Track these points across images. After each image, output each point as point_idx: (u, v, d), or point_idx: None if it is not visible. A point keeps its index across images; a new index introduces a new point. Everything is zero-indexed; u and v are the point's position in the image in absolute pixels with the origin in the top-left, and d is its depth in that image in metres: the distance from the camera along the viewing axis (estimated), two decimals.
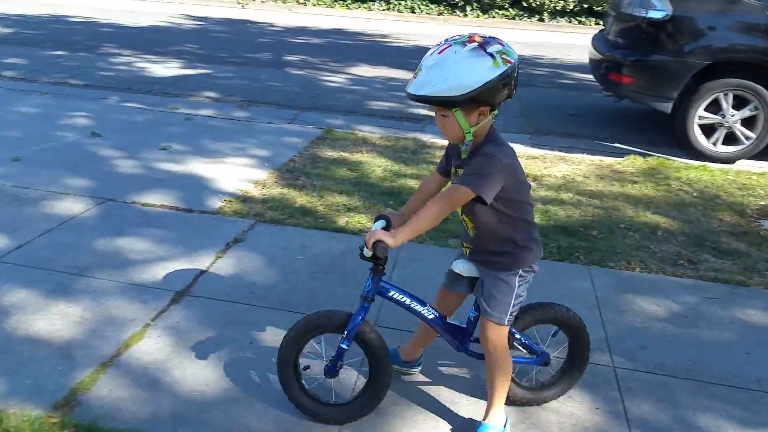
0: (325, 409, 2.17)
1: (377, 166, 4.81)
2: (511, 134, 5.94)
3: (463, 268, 2.14)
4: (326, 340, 2.25)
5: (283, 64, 9.50)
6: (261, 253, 3.33)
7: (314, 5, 16.85)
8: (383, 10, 16.60)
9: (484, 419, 2.14)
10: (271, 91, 7.64)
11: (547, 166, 4.98)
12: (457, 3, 16.05)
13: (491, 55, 1.78)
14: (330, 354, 2.14)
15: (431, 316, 2.16)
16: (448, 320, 2.19)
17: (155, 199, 3.96)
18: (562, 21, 15.47)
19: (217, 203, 3.95)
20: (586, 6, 15.25)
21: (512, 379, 2.19)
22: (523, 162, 5.04)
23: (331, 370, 2.13)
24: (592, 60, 6.36)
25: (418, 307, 2.15)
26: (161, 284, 2.97)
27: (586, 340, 2.27)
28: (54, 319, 2.65)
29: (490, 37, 1.84)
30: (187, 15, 14.90)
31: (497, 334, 2.06)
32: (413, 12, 16.38)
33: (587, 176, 4.79)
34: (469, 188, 1.85)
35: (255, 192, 4.18)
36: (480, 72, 1.77)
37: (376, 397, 2.14)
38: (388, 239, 1.85)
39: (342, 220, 3.80)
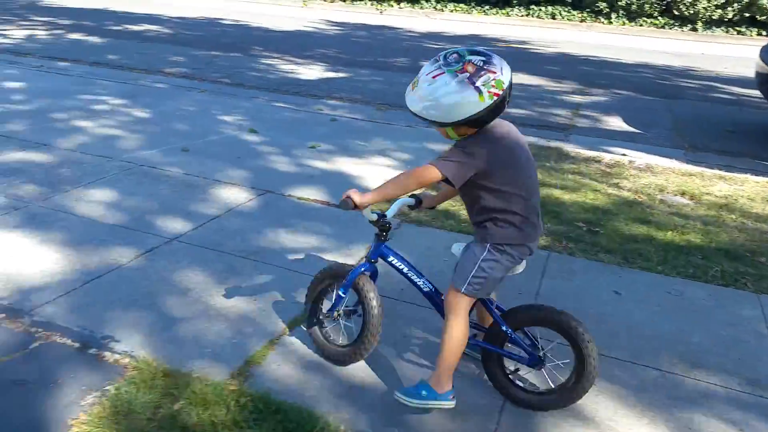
0: (332, 349, 2.46)
1: None
2: (664, 148, 5.66)
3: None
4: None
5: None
6: (408, 252, 3.38)
7: (451, 11, 16.93)
8: (522, 16, 16.36)
9: (429, 379, 2.20)
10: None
11: (706, 185, 4.68)
12: (601, 9, 15.47)
13: (478, 89, 1.88)
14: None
15: (426, 289, 2.32)
16: (442, 297, 2.28)
17: (308, 194, 4.18)
18: (718, 31, 14.45)
19: None
20: (747, 15, 14.14)
21: (514, 384, 2.28)
22: (677, 179, 4.73)
23: (329, 313, 2.44)
24: (759, 74, 5.89)
25: (414, 277, 2.33)
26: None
27: (584, 349, 2.12)
28: (226, 297, 2.88)
29: (484, 63, 1.89)
30: (328, 20, 15.52)
31: (454, 298, 2.15)
32: (554, 18, 16.00)
33: (752, 198, 4.45)
34: (436, 167, 1.98)
35: None
36: (465, 108, 1.90)
37: (366, 343, 2.33)
38: (356, 197, 2.09)
39: None
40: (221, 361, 2.43)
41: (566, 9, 16.04)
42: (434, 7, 17.21)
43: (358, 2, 18.06)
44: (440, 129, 2.05)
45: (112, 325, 2.62)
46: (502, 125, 2.08)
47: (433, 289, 2.32)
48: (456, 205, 4.09)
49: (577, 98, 7.93)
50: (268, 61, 9.60)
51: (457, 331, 2.15)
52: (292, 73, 8.89)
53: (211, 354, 2.46)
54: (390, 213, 2.30)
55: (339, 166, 4.80)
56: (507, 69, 1.92)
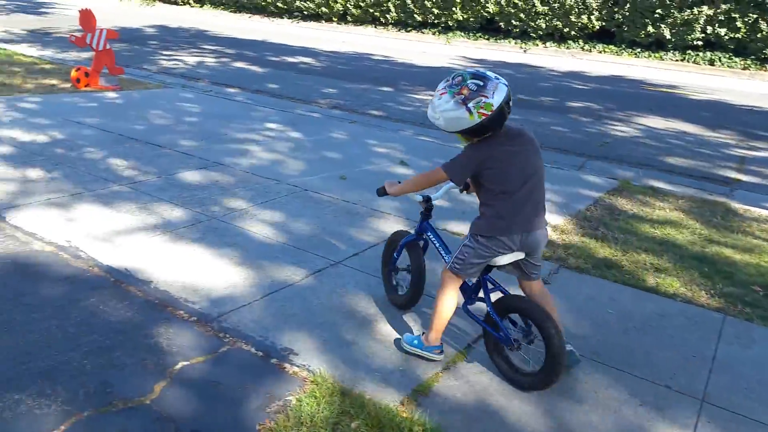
0: (395, 296, 3.17)
1: (684, 227, 4.53)
2: None
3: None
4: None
5: (566, 110, 9.49)
6: (569, 300, 3.35)
7: (600, 52, 16.54)
8: (677, 60, 15.65)
9: (422, 334, 2.73)
10: (555, 135, 7.69)
11: None
12: None
13: (469, 110, 2.27)
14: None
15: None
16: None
17: (462, 229, 4.24)
18: None
19: None
20: None
21: (505, 359, 2.62)
22: None
23: (391, 267, 3.17)
24: None
25: (443, 252, 2.84)
26: (479, 311, 3.16)
27: (546, 331, 2.42)
28: (393, 322, 2.99)
29: (480, 87, 2.27)
30: (470, 57, 15.74)
31: (445, 272, 2.64)
32: (712, 64, 15.15)
33: None
34: (443, 170, 2.47)
35: (554, 236, 4.22)
36: (459, 123, 2.34)
37: (418, 294, 3.04)
38: (387, 187, 2.79)
39: (651, 280, 3.64)
40: (391, 385, 2.51)
41: (727, 55, 15.13)
42: (581, 48, 16.90)
43: (502, 40, 18.16)
44: (459, 136, 2.46)
45: (290, 338, 2.80)
46: (512, 133, 2.44)
47: None
48: (617, 254, 3.96)
49: (741, 151, 7.43)
50: (415, 95, 9.90)
51: (444, 301, 2.63)
52: None
53: (380, 378, 2.56)
54: (437, 195, 2.92)
55: None
56: (501, 93, 2.28)
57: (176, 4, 25.25)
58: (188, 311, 2.96)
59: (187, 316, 2.92)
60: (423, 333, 2.76)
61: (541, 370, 2.48)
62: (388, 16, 20.02)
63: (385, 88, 10.56)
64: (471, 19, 18.64)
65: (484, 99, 2.26)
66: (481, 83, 2.28)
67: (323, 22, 21.56)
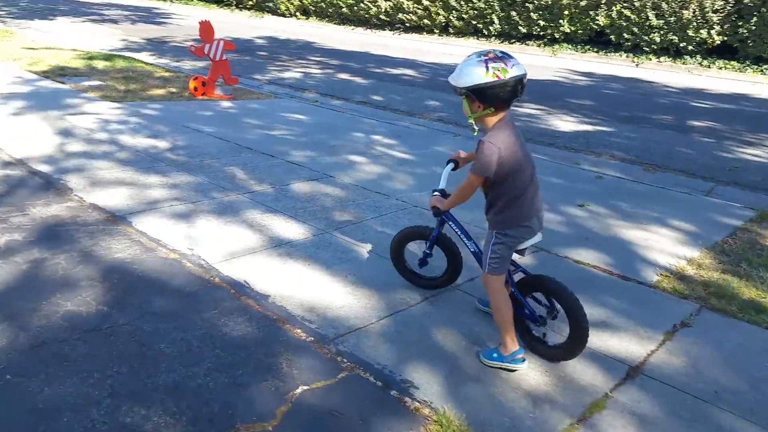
0: (421, 280, 3.41)
1: None
2: None
3: None
4: None
5: (687, 129, 8.87)
6: (716, 347, 3.00)
7: (720, 68, 15.46)
8: None
9: (498, 345, 2.74)
10: (677, 156, 7.17)
11: None
12: None
13: (487, 68, 2.44)
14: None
15: (472, 249, 2.97)
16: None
17: (587, 258, 3.96)
18: None
19: (653, 276, 3.75)
20: None
21: (532, 335, 2.85)
22: None
23: (422, 262, 3.31)
24: None
25: (464, 239, 3.00)
26: (614, 353, 2.89)
27: (571, 306, 2.65)
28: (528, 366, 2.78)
29: (503, 57, 2.47)
30: (576, 70, 15.17)
31: (484, 278, 2.76)
32: None
33: None
34: (476, 174, 2.60)
35: (690, 271, 3.85)
36: (472, 77, 2.47)
37: (454, 277, 3.31)
38: (440, 204, 2.96)
39: None
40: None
41: None
42: (699, 63, 15.87)
43: (613, 54, 17.39)
44: (464, 102, 2.60)
45: (409, 368, 2.66)
46: (509, 125, 2.59)
47: (478, 250, 2.94)
48: (765, 298, 3.55)
49: None
50: (520, 109, 9.59)
51: (499, 302, 2.71)
52: (546, 123, 8.76)
53: (510, 425, 2.36)
54: (442, 184, 3.07)
55: (615, 231, 4.49)
56: (518, 70, 2.46)
57: (283, 16, 26.10)
58: (305, 330, 2.89)
59: (305, 336, 2.84)
60: (499, 345, 2.74)
61: (568, 342, 2.72)
62: (491, 27, 19.71)
63: None
64: (579, 31, 17.98)
65: (503, 65, 2.46)
66: (506, 57, 2.50)
67: (425, 33, 21.55)
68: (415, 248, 3.60)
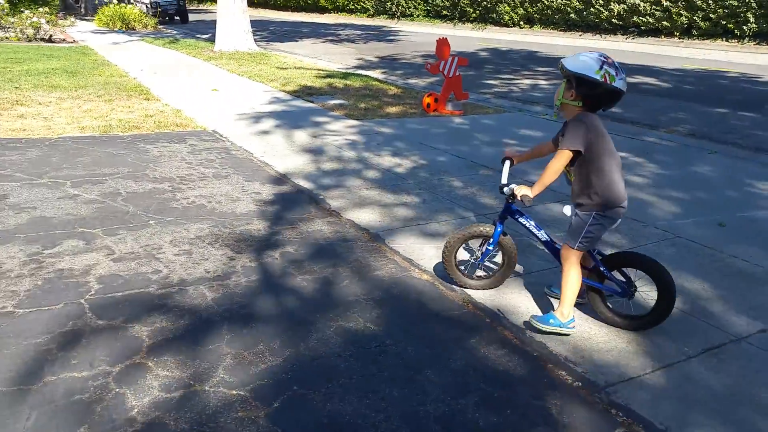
0: (473, 281, 3.44)
1: None
2: None
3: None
4: None
5: None
6: None
7: None
8: None
9: (554, 311, 2.98)
10: None
11: None
12: None
13: (601, 67, 2.69)
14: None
15: (543, 239, 3.19)
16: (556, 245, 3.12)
17: None
18: None
19: None
20: None
21: (609, 308, 3.08)
22: None
23: (481, 261, 3.40)
24: None
25: (534, 230, 3.20)
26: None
27: (664, 283, 2.92)
28: None
29: (619, 68, 2.74)
30: None
31: (568, 252, 2.97)
32: None
33: None
34: (565, 148, 2.79)
35: None
36: (585, 67, 2.71)
37: (507, 275, 3.41)
38: (529, 192, 2.94)
39: None
40: None
41: None
42: None
43: None
44: (563, 85, 2.82)
45: (691, 430, 2.34)
46: (594, 116, 2.79)
47: (549, 240, 3.16)
48: None
49: None
50: None
51: (572, 276, 2.94)
52: None
53: None
54: (505, 180, 3.15)
55: None
56: (622, 84, 2.71)
57: (506, 26, 25.99)
58: (571, 373, 2.70)
59: (571, 380, 2.66)
60: (557, 312, 2.95)
61: (654, 312, 2.98)
62: (744, 27, 17.47)
63: (749, 113, 9.09)
64: None
65: (614, 73, 2.70)
66: (621, 69, 2.74)
67: (662, 37, 19.85)
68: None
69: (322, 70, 12.85)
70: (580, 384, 2.63)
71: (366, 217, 4.52)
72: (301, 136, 7.12)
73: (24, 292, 3.20)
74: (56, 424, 2.25)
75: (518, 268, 3.74)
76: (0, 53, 13.70)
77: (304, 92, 10.12)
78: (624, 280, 3.06)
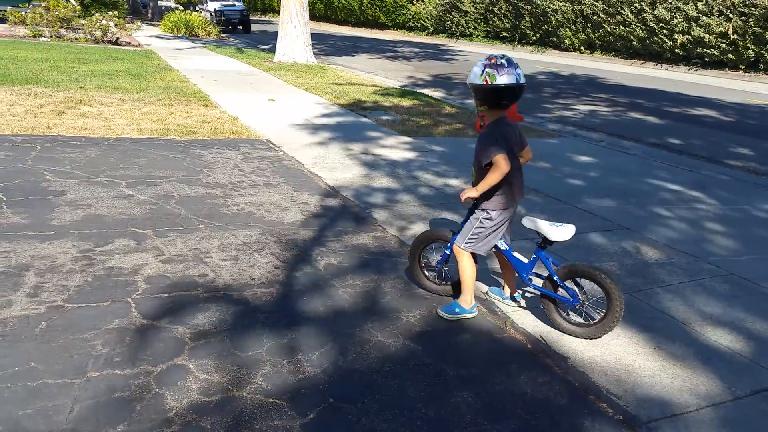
0: (434, 285, 3.61)
1: None
2: None
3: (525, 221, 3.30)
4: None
5: None
6: None
7: None
8: None
9: (458, 299, 3.32)
10: None
11: None
12: None
13: (483, 71, 2.97)
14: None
15: (503, 248, 3.32)
16: (514, 254, 3.32)
17: None
18: None
19: None
20: None
21: (560, 314, 3.20)
22: None
23: (439, 265, 3.56)
24: None
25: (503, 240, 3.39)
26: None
27: (612, 294, 3.01)
28: None
29: (499, 65, 2.95)
30: None
31: (457, 251, 3.28)
32: None
33: None
34: (498, 155, 2.99)
35: None
36: (472, 76, 3.03)
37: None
38: (472, 193, 3.12)
39: None
40: None
41: None
42: None
43: None
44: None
45: None
46: (504, 124, 3.15)
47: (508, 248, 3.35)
48: None
49: None
50: None
51: (467, 267, 3.26)
52: None
53: None
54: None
55: None
56: (508, 78, 2.94)
57: (566, 50, 25.72)
58: (612, 406, 2.62)
59: (612, 412, 2.58)
60: (461, 300, 3.29)
61: (603, 322, 3.08)
62: None
63: None
64: None
65: (494, 72, 2.94)
66: (504, 65, 2.95)
67: (727, 70, 19.27)
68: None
69: (377, 86, 12.97)
70: (621, 417, 2.55)
71: (412, 233, 4.51)
72: (353, 149, 7.19)
73: (74, 288, 3.31)
74: (97, 419, 2.31)
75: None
76: (69, 54, 14.36)
77: (358, 106, 10.23)
78: (576, 289, 3.19)
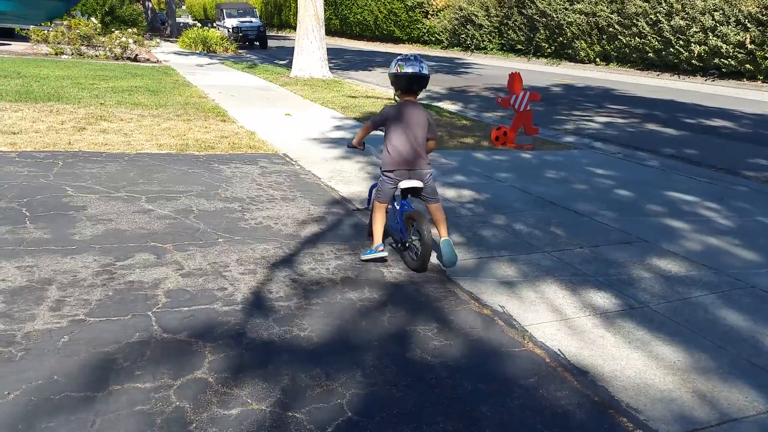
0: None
1: None
2: None
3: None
4: None
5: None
6: None
7: None
8: None
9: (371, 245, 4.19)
10: None
11: None
12: None
13: (397, 63, 3.94)
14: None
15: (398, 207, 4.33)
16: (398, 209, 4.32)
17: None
18: None
19: None
20: None
21: (409, 255, 4.13)
22: None
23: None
24: None
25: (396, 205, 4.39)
26: None
27: (423, 237, 3.87)
28: None
29: (410, 59, 3.93)
30: None
31: (374, 203, 4.23)
32: None
33: None
34: (369, 122, 4.25)
35: None
36: (390, 67, 4.00)
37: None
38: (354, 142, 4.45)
39: None
40: None
41: None
42: None
43: None
44: None
45: None
46: (408, 105, 4.04)
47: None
48: None
49: None
50: None
51: (378, 218, 4.15)
52: None
53: None
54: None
55: None
56: (411, 68, 3.91)
57: (582, 62, 25.69)
58: (632, 420, 2.60)
59: (632, 427, 2.56)
60: (372, 245, 4.15)
61: (419, 258, 3.98)
62: None
63: None
64: None
65: (404, 64, 3.91)
66: (411, 60, 3.92)
67: (744, 80, 19.13)
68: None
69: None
70: (641, 431, 2.53)
71: None
72: (369, 162, 7.23)
73: (95, 302, 3.36)
74: None
75: (583, 311, 3.65)
76: (89, 71, 14.63)
77: None
78: (407, 231, 4.12)
